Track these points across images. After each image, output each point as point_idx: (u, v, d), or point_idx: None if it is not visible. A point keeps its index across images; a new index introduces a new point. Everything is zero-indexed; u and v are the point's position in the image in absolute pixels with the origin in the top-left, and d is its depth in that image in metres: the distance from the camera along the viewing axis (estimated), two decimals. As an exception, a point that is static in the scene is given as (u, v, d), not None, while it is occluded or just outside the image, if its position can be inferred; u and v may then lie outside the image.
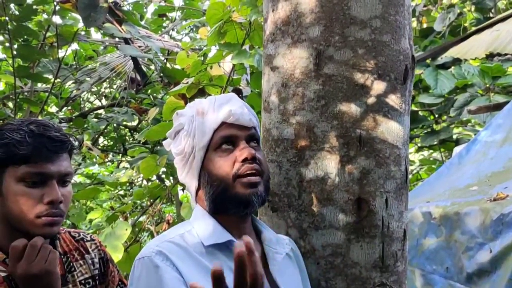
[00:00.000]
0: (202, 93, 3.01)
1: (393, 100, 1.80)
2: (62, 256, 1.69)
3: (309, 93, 1.79)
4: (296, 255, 1.74)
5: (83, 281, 1.71)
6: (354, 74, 1.76)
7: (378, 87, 1.77)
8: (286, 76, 1.84)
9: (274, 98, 1.88)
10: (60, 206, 1.56)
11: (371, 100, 1.77)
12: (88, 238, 1.82)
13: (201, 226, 1.56)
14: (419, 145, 7.94)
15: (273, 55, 1.89)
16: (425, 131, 7.03)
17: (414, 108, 7.22)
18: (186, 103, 2.97)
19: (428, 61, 6.22)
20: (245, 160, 1.51)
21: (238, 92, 3.04)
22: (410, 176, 8.59)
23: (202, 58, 3.14)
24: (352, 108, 1.76)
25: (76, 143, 1.71)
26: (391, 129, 1.79)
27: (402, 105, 1.83)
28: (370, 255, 1.77)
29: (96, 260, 1.79)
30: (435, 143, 7.01)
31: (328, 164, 1.77)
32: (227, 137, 1.54)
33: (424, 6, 7.53)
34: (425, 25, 7.86)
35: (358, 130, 1.76)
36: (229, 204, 1.52)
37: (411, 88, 1.91)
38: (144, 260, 1.47)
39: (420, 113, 7.25)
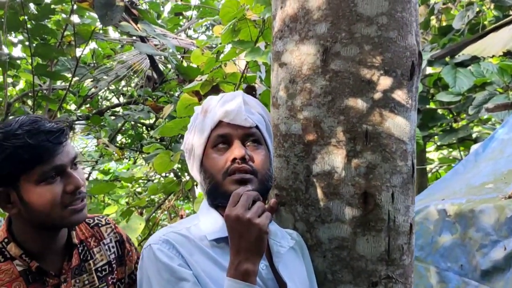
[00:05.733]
0: (216, 90, 3.05)
1: (400, 95, 1.82)
2: (79, 246, 1.71)
3: (316, 89, 1.82)
4: (301, 248, 1.78)
5: (99, 269, 1.73)
6: (361, 70, 1.79)
7: (385, 82, 1.79)
8: (293, 72, 1.87)
9: (282, 94, 1.91)
10: (82, 190, 1.60)
11: (377, 96, 1.79)
12: (103, 222, 1.83)
13: (206, 220, 1.61)
14: (438, 143, 7.89)
15: (281, 51, 1.92)
16: (444, 129, 6.99)
17: (432, 106, 7.19)
18: (200, 100, 3.02)
19: (447, 59, 6.19)
20: (234, 160, 1.55)
21: (252, 89, 3.07)
22: (429, 175, 8.54)
23: (215, 56, 3.18)
24: (358, 104, 1.78)
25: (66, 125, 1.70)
26: (397, 125, 1.81)
27: (409, 100, 1.84)
28: (376, 249, 1.79)
29: (112, 244, 1.80)
30: (454, 141, 6.97)
31: (335, 159, 1.79)
32: (222, 136, 1.60)
33: (443, 4, 7.48)
34: (444, 23, 7.82)
35: (365, 125, 1.78)
36: (220, 199, 1.57)
37: (418, 84, 1.92)
38: (150, 248, 1.52)
39: (439, 111, 7.21)
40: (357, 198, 1.78)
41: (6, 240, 1.59)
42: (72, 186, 1.56)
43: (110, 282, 1.75)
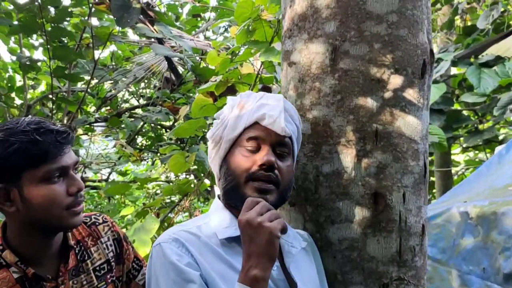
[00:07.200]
0: (231, 90, 3.05)
1: (411, 94, 1.79)
2: (75, 246, 1.71)
3: (325, 88, 1.80)
4: (312, 249, 1.76)
5: (97, 268, 1.73)
6: (370, 68, 1.77)
7: (395, 81, 1.77)
8: (302, 71, 1.86)
9: (291, 93, 1.90)
10: (82, 193, 1.61)
11: (387, 95, 1.77)
12: (100, 221, 1.82)
13: (217, 219, 1.60)
14: (463, 145, 7.79)
15: (290, 50, 1.91)
16: (469, 131, 6.90)
17: (457, 107, 7.10)
18: (215, 100, 3.02)
19: (471, 59, 6.10)
20: (262, 166, 1.53)
21: (267, 90, 3.06)
22: (455, 177, 8.44)
23: (230, 56, 3.17)
24: (368, 103, 1.76)
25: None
26: (408, 124, 1.79)
27: (420, 99, 1.82)
28: (387, 250, 1.76)
29: (110, 242, 1.79)
30: (480, 143, 6.87)
31: (344, 159, 1.78)
32: (254, 137, 1.56)
33: (468, 3, 7.39)
34: (469, 23, 7.72)
35: (375, 125, 1.76)
36: (237, 201, 1.55)
37: (430, 82, 1.89)
38: (160, 246, 1.51)
39: (464, 112, 7.12)
40: (367, 199, 1.76)
41: (1, 247, 1.58)
42: (75, 188, 1.56)
43: (109, 281, 1.75)
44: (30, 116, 1.57)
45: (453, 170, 8.37)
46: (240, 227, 1.43)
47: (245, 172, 1.54)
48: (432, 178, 7.62)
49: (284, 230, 1.43)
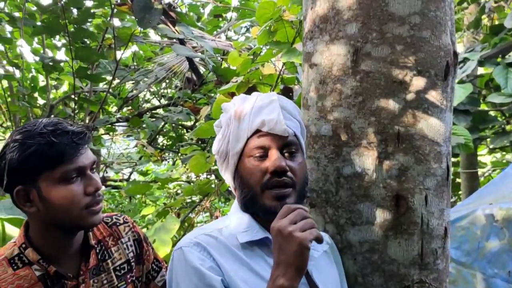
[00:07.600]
0: (252, 91, 3.04)
1: (434, 96, 1.78)
2: (96, 246, 1.73)
3: (347, 90, 1.79)
4: (333, 251, 1.76)
5: (118, 267, 1.74)
6: (392, 70, 1.76)
7: (418, 83, 1.76)
8: (324, 73, 1.85)
9: (312, 95, 1.89)
10: (100, 192, 1.62)
11: (410, 96, 1.76)
12: (121, 221, 1.83)
13: (237, 222, 1.60)
14: (490, 146, 7.69)
15: (311, 52, 1.91)
16: (496, 132, 6.80)
17: (484, 107, 7.01)
18: (236, 101, 3.01)
19: (498, 59, 6.02)
20: (274, 173, 1.51)
21: (289, 90, 3.06)
22: (481, 179, 8.32)
23: (252, 57, 3.17)
24: (390, 105, 1.75)
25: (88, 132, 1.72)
26: (431, 126, 1.77)
27: (443, 101, 1.80)
28: (409, 252, 1.75)
29: (130, 242, 1.81)
30: (507, 144, 6.78)
31: (366, 161, 1.77)
32: (259, 146, 1.55)
33: (495, 2, 7.28)
34: (496, 22, 7.61)
35: (397, 127, 1.75)
36: (258, 211, 1.55)
37: (454, 84, 1.88)
38: (181, 250, 1.52)
39: (491, 113, 7.02)
40: (389, 201, 1.75)
41: (24, 245, 1.61)
42: (93, 188, 1.58)
43: (129, 281, 1.76)
44: (52, 116, 1.58)
45: (480, 171, 8.24)
46: (272, 235, 1.42)
47: (259, 182, 1.53)
48: (458, 180, 7.53)
49: (318, 240, 1.39)
